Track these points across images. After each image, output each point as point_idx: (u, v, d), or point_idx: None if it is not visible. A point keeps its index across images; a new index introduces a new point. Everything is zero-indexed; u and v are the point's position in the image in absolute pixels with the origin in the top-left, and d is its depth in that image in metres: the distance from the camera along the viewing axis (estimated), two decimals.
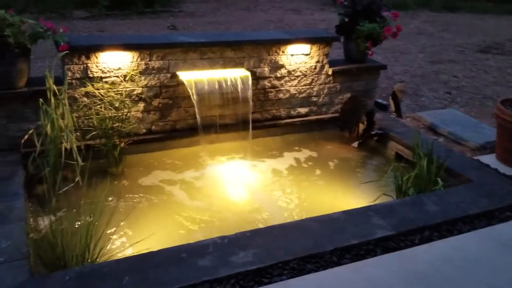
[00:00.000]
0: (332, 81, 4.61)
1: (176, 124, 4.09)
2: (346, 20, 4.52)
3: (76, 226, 2.39)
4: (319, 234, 2.63)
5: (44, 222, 2.84)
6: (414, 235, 2.69)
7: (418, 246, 2.60)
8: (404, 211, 2.91)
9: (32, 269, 2.27)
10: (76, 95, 3.61)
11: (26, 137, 3.30)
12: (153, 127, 4.01)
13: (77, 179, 3.06)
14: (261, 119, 4.41)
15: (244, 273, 2.29)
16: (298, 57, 4.35)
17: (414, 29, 10.09)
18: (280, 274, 2.31)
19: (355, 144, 4.37)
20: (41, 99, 3.16)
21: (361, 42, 4.43)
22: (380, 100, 5.08)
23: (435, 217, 2.85)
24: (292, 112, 4.54)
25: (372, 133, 4.35)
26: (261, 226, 3.11)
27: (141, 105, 3.89)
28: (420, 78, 6.46)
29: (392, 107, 4.86)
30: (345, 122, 4.60)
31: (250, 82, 4.02)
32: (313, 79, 4.52)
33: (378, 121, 4.45)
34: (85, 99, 3.64)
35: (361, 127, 4.51)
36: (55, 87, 3.19)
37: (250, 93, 4.04)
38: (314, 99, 4.60)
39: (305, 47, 4.34)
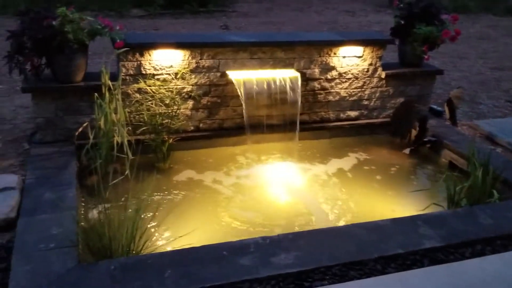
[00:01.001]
0: (384, 85, 4.49)
1: (223, 123, 4.13)
2: (402, 22, 4.40)
3: (123, 218, 2.44)
4: (364, 241, 2.57)
5: (93, 212, 2.94)
6: (465, 248, 2.58)
7: (468, 260, 2.48)
8: (455, 222, 2.79)
9: (79, 256, 2.35)
10: (129, 91, 3.71)
11: (80, 129, 3.42)
12: (201, 125, 4.06)
13: (126, 173, 3.14)
14: (309, 121, 4.37)
15: (285, 275, 2.27)
16: (350, 59, 4.27)
17: (474, 34, 9.68)
18: (321, 279, 2.28)
19: (407, 150, 4.24)
20: (96, 94, 3.27)
21: (417, 46, 4.30)
22: (435, 106, 4.90)
23: (489, 230, 2.71)
24: (342, 115, 4.47)
25: (425, 140, 4.21)
26: (304, 229, 3.07)
27: (190, 103, 3.95)
28: (479, 85, 6.18)
29: (447, 114, 4.68)
30: (396, 127, 4.47)
31: (299, 83, 3.98)
32: (365, 82, 4.42)
33: (431, 127, 4.30)
34: (137, 95, 3.74)
35: (413, 133, 4.37)
36: (110, 83, 3.29)
37: (299, 94, 4.00)
38: (365, 102, 4.50)
39: (358, 49, 4.26)
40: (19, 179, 2.97)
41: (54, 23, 3.26)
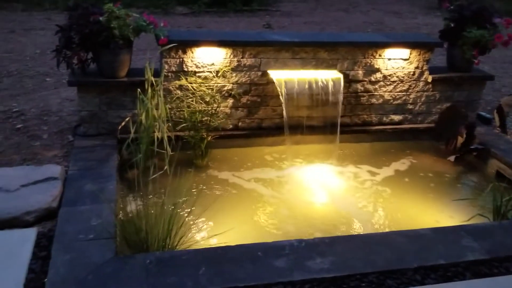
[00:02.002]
0: (431, 89, 4.36)
1: (262, 122, 4.11)
2: (452, 25, 4.26)
3: (160, 213, 2.46)
4: (403, 249, 2.49)
5: (131, 206, 2.98)
6: (510, 262, 2.45)
7: None
8: (501, 235, 2.68)
9: (116, 248, 2.38)
10: (170, 87, 3.74)
11: (123, 124, 3.48)
12: (239, 124, 4.06)
13: (165, 168, 3.17)
14: (350, 124, 4.29)
15: (319, 280, 2.24)
16: (395, 61, 4.16)
17: None
18: (357, 286, 2.23)
19: (452, 158, 4.10)
20: (139, 89, 3.32)
21: (467, 50, 4.15)
22: (483, 113, 4.71)
23: None
24: (384, 119, 4.36)
25: (471, 147, 4.06)
26: (341, 234, 3.01)
27: (230, 101, 3.95)
28: None
29: (497, 121, 4.49)
30: (441, 132, 4.32)
31: (342, 84, 3.91)
32: (410, 86, 4.30)
33: (479, 135, 4.14)
34: (179, 91, 3.77)
35: (460, 140, 4.21)
36: (153, 79, 3.33)
37: (341, 96, 3.93)
38: (410, 106, 4.38)
39: (404, 52, 4.14)
40: (62, 170, 3.05)
41: (101, 18, 3.33)
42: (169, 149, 3.21)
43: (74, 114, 4.10)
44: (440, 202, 3.50)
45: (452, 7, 4.33)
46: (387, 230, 3.09)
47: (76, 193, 2.83)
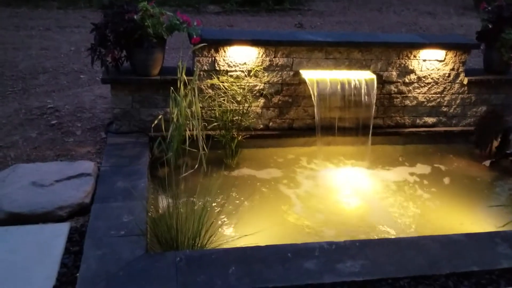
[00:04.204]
0: (466, 92, 4.24)
1: (293, 123, 4.08)
2: (490, 26, 4.13)
3: (191, 211, 2.47)
4: (436, 255, 2.44)
5: (162, 203, 3.01)
6: None
7: None
8: None
9: (147, 245, 2.41)
10: (202, 86, 3.76)
11: (156, 122, 3.51)
12: (270, 124, 4.04)
13: (196, 166, 3.18)
14: (383, 126, 4.22)
15: (350, 283, 2.21)
16: (431, 63, 4.07)
17: None
18: None
19: (487, 162, 3.99)
20: (172, 88, 3.34)
21: (505, 52, 4.05)
22: None
23: None
24: (418, 121, 4.27)
25: (508, 152, 3.93)
26: (372, 237, 2.97)
27: (262, 101, 3.94)
28: None
29: None
30: (479, 138, 4.18)
31: (375, 85, 3.85)
32: (445, 88, 4.20)
33: None
34: (210, 90, 3.78)
35: (494, 144, 4.09)
36: (185, 77, 3.34)
37: (374, 97, 3.87)
38: (444, 109, 4.28)
39: (439, 53, 4.05)
40: (95, 166, 3.10)
41: (135, 17, 3.37)
42: (204, 147, 3.19)
43: (107, 112, 4.17)
44: (474, 207, 3.42)
45: (489, 8, 4.20)
46: (419, 234, 3.02)
47: (108, 189, 2.87)
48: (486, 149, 4.11)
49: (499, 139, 4.06)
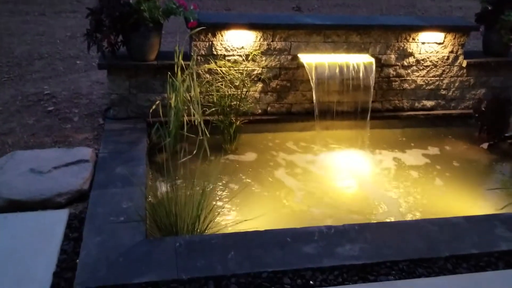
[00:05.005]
0: (465, 74, 4.23)
1: (292, 107, 4.06)
2: (489, 8, 4.10)
3: (190, 197, 2.47)
4: (434, 238, 2.45)
5: (161, 189, 3.01)
6: None
7: None
8: None
9: (147, 231, 2.41)
10: (199, 71, 3.73)
11: (153, 107, 3.49)
12: (269, 108, 4.03)
13: (194, 152, 3.17)
14: (381, 109, 4.21)
15: (349, 267, 2.22)
16: (429, 45, 4.04)
17: None
18: (387, 274, 2.21)
19: (485, 145, 3.98)
20: (169, 73, 3.31)
21: (504, 34, 4.02)
22: None
23: None
24: (416, 104, 4.26)
25: (506, 135, 3.92)
26: (371, 221, 2.97)
27: (260, 86, 3.91)
28: None
29: None
30: (486, 121, 4.11)
31: (373, 69, 3.83)
32: (444, 71, 4.18)
33: None
34: (208, 75, 3.76)
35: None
36: (182, 62, 3.31)
37: (372, 80, 3.85)
38: (443, 92, 4.26)
39: (438, 36, 4.02)
40: (92, 153, 3.09)
41: (131, 1, 3.33)
42: (205, 132, 3.15)
43: (104, 97, 4.15)
44: (473, 190, 3.42)
45: None
46: (417, 218, 3.03)
47: (107, 176, 2.86)
48: (493, 133, 4.05)
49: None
